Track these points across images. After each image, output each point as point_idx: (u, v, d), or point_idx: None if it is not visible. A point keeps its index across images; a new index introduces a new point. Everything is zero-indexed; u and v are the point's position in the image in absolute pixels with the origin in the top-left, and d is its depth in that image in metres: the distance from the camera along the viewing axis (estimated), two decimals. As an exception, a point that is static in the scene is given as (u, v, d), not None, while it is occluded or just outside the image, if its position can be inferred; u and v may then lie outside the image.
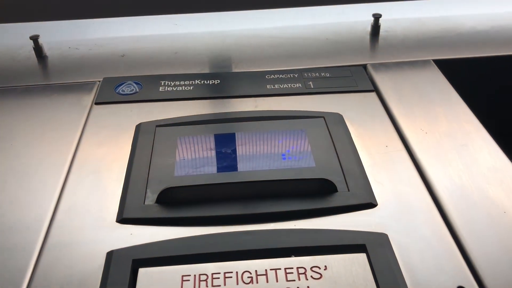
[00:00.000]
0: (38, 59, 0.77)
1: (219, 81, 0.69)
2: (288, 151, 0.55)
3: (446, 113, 0.62)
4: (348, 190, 0.49)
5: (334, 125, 0.59)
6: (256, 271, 0.41)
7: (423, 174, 0.52)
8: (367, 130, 0.59)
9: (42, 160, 0.55)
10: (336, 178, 0.50)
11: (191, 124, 0.59)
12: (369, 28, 0.83)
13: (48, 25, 0.82)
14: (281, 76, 0.70)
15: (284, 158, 0.53)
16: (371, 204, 0.48)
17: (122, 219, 0.47)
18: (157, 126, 0.59)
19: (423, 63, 0.73)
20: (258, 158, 0.54)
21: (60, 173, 0.53)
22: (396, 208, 0.48)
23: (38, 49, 0.77)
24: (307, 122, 0.59)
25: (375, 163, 0.54)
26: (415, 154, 0.55)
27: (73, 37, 0.83)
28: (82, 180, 0.52)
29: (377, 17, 0.81)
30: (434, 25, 0.84)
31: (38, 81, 0.71)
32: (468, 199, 0.49)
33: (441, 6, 0.90)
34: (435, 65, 0.72)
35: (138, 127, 0.59)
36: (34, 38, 0.77)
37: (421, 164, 0.54)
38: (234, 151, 0.55)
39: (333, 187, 0.49)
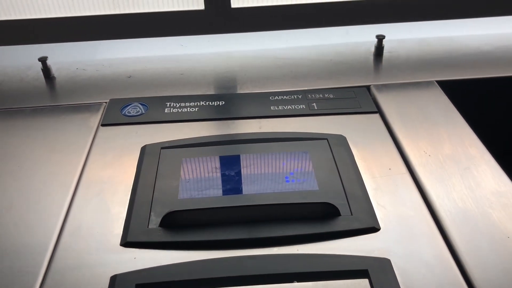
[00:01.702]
0: (46, 80, 0.78)
1: (223, 102, 0.70)
2: (292, 173, 0.55)
3: (450, 135, 0.62)
4: (351, 214, 0.49)
5: (338, 147, 0.59)
6: (258, 296, 0.42)
7: (426, 197, 0.53)
8: (371, 153, 0.59)
9: (48, 181, 0.56)
10: (339, 202, 0.50)
11: (195, 146, 0.60)
12: (372, 49, 0.83)
13: (56, 46, 0.84)
14: (285, 97, 0.70)
15: (288, 181, 0.54)
16: (374, 228, 0.49)
17: (126, 243, 0.47)
18: (162, 148, 0.60)
19: (427, 84, 0.73)
20: (262, 181, 0.54)
21: (66, 195, 0.54)
22: (399, 232, 0.48)
23: (46, 70, 0.78)
24: (311, 144, 0.60)
25: (378, 186, 0.54)
26: (418, 177, 0.55)
27: (80, 58, 0.84)
28: (88, 203, 0.53)
29: (380, 38, 0.82)
30: (438, 46, 0.85)
31: (46, 102, 0.72)
32: (472, 224, 0.49)
33: (444, 27, 0.90)
34: (438, 86, 0.73)
35: (143, 149, 0.60)
36: (43, 60, 0.78)
37: (424, 187, 0.54)
38: (238, 173, 0.55)
39: (336, 211, 0.49)
